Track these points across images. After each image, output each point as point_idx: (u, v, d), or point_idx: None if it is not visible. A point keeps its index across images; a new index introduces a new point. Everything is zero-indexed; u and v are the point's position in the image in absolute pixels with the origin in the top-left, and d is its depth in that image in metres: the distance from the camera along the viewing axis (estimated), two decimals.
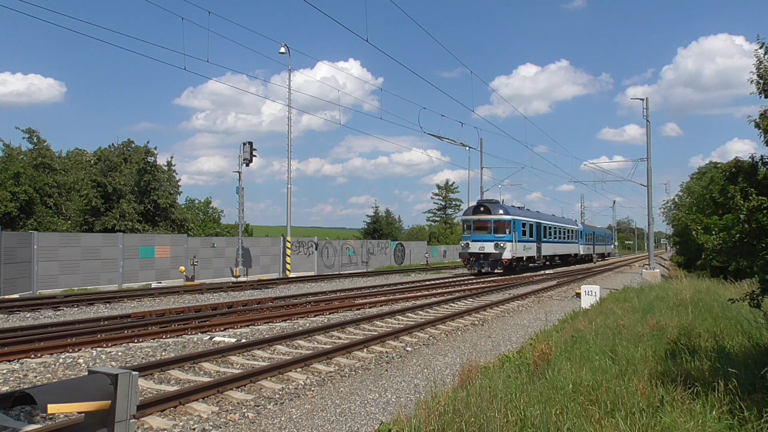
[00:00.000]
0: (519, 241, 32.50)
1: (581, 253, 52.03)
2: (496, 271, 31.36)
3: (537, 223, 36.96)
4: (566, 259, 47.26)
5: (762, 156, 5.88)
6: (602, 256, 67.62)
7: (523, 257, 33.99)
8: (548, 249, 39.94)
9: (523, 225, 33.86)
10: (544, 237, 38.62)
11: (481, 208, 32.55)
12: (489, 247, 31.01)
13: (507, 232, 31.41)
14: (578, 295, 17.65)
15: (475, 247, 31.37)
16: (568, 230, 47.25)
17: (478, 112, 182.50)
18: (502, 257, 30.74)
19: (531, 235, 35.19)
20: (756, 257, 5.81)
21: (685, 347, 7.29)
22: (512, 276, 30.95)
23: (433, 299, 18.38)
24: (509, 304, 18.03)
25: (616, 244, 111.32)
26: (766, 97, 5.69)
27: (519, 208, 37.07)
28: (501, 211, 32.06)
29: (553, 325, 11.66)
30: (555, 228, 42.44)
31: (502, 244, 30.84)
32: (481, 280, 27.99)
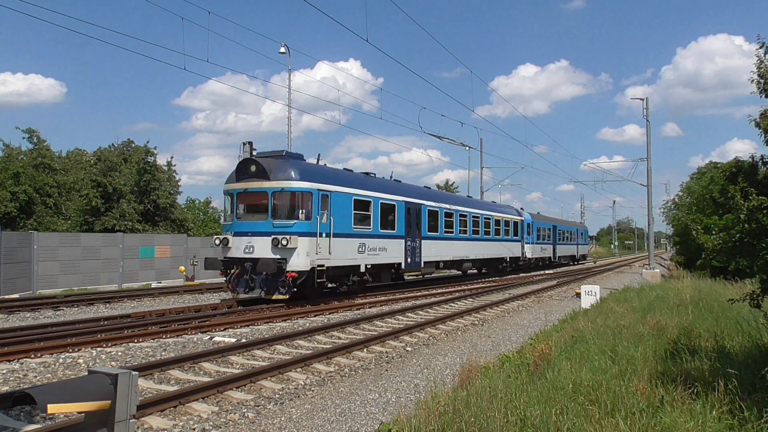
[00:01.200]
0: (338, 235, 16.68)
1: (528, 255, 35.55)
2: (276, 296, 15.21)
3: (406, 204, 20.54)
4: (496, 266, 31.28)
5: (762, 156, 5.89)
6: (573, 259, 50.78)
7: (360, 266, 17.94)
8: (443, 250, 23.68)
9: (360, 203, 17.98)
10: (433, 230, 22.73)
11: (252, 168, 16.05)
12: (261, 247, 15.41)
13: (302, 216, 15.45)
14: (578, 295, 17.68)
15: (238, 247, 15.83)
16: (498, 221, 30.52)
17: (478, 112, 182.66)
18: (287, 267, 15.08)
19: (388, 226, 19.51)
20: (756, 257, 5.81)
21: (685, 347, 7.30)
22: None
23: (433, 299, 18.38)
24: (509, 304, 18.04)
25: (616, 243, 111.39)
26: (766, 96, 5.70)
27: (348, 170, 19.54)
28: (292, 173, 15.66)
29: (553, 325, 11.68)
30: (463, 215, 25.91)
31: (286, 241, 15.01)
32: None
